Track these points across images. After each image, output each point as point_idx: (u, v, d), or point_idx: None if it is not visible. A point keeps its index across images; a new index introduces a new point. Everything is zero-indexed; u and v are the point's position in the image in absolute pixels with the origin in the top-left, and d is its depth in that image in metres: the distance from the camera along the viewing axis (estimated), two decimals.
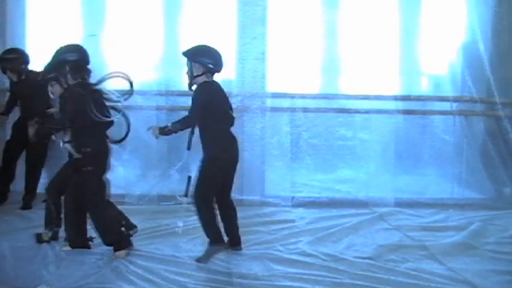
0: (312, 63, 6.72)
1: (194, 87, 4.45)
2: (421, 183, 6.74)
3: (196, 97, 4.39)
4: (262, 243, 4.83)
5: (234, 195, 6.17)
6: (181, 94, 6.42)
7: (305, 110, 6.45)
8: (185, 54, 4.47)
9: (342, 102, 6.58)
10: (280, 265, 4.27)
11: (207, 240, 4.48)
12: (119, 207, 5.68)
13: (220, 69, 4.48)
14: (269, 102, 6.35)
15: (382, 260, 4.41)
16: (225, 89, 6.36)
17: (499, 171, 6.40)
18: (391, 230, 5.34)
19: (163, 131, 4.34)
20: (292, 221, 5.59)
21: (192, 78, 4.43)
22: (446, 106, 6.57)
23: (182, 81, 6.66)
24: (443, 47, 6.67)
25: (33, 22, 6.37)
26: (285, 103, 6.45)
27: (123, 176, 6.30)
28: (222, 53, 4.48)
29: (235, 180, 6.26)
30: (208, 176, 4.41)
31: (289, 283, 3.93)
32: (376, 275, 4.08)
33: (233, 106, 6.20)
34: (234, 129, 4.62)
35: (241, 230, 5.19)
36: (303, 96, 6.52)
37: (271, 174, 6.41)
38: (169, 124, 4.39)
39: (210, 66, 4.40)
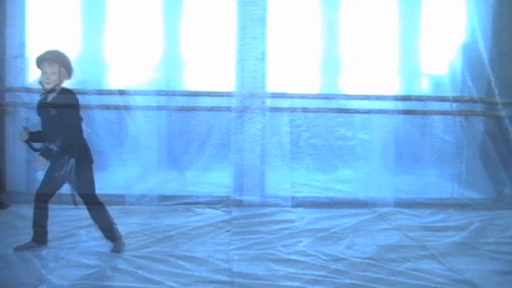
0: (312, 63, 6.73)
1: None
2: (421, 183, 6.73)
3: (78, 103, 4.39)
4: (262, 243, 4.82)
5: (234, 195, 6.26)
6: (182, 94, 6.46)
7: (305, 110, 6.44)
8: (57, 56, 4.35)
9: (342, 102, 6.58)
10: (280, 265, 4.27)
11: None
12: (119, 207, 5.74)
13: None
14: (269, 102, 6.35)
15: (382, 260, 4.41)
16: (225, 89, 6.47)
17: (499, 171, 6.40)
18: (391, 230, 5.34)
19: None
20: (292, 221, 5.59)
21: (59, 83, 4.34)
22: (446, 106, 6.57)
23: (182, 81, 6.74)
24: (443, 47, 6.67)
25: (33, 22, 6.37)
26: (285, 103, 6.45)
27: (123, 176, 6.31)
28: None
29: (235, 180, 6.35)
30: None
31: (289, 283, 3.92)
32: (376, 275, 4.08)
33: (233, 106, 6.32)
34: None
35: (241, 230, 5.22)
36: (303, 96, 6.52)
37: (271, 174, 6.41)
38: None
39: (72, 74, 4.42)
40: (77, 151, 4.35)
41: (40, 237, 4.50)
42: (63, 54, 4.41)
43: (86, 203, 4.45)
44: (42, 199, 4.45)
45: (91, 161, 4.45)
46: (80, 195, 4.42)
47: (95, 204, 4.46)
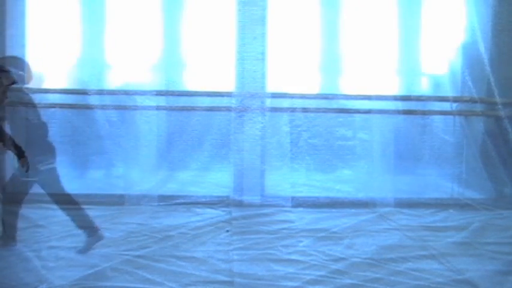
0: (312, 63, 6.73)
1: None
2: (421, 183, 6.73)
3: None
4: (262, 243, 4.82)
5: (234, 195, 6.26)
6: (181, 94, 6.46)
7: (305, 110, 6.44)
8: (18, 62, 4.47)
9: (342, 102, 6.58)
10: (280, 265, 4.27)
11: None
12: (119, 207, 5.74)
13: None
14: (269, 102, 6.35)
15: (382, 260, 4.41)
16: (225, 89, 6.47)
17: (499, 171, 6.39)
18: (391, 230, 5.34)
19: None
20: (292, 221, 5.59)
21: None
22: (446, 106, 6.57)
23: (182, 81, 6.75)
24: (443, 47, 6.67)
25: (33, 22, 6.37)
26: (285, 103, 6.45)
27: (123, 176, 6.31)
28: None
29: (235, 180, 6.35)
30: None
31: (289, 283, 3.92)
32: (376, 275, 4.08)
33: (233, 106, 6.32)
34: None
35: (241, 230, 5.22)
36: (303, 96, 6.52)
37: (271, 174, 6.41)
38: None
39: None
40: (37, 150, 4.40)
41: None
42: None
43: (55, 202, 4.49)
44: (12, 199, 4.49)
45: (53, 159, 4.48)
46: (47, 194, 4.45)
47: (63, 199, 4.49)
